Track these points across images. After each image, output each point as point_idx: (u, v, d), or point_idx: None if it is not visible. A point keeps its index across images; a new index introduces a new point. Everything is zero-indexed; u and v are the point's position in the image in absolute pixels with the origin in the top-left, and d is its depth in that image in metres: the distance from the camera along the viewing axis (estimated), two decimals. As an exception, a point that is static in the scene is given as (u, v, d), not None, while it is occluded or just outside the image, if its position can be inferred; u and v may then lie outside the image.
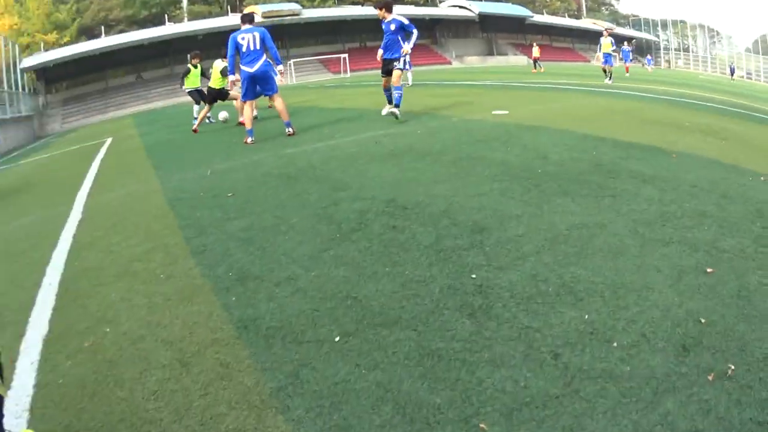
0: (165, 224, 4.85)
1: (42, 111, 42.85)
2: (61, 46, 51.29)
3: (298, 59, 50.84)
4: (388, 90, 9.84)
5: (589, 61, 55.57)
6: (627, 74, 28.64)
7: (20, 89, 35.84)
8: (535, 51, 37.26)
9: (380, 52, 9.48)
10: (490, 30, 68.80)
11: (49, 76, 47.08)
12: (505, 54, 67.09)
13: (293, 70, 48.40)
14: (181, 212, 5.18)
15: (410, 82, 21.14)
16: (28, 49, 49.13)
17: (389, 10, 9.38)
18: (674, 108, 11.28)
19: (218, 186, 6.10)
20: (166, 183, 6.79)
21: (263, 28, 9.27)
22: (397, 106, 9.48)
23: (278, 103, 9.42)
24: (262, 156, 7.71)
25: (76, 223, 5.48)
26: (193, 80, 15.22)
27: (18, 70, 36.12)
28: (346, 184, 5.40)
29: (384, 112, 10.20)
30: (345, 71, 47.52)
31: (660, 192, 4.49)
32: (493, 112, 9.84)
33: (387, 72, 9.61)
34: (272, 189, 5.63)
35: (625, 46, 31.76)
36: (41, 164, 13.63)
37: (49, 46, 50.42)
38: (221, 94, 13.03)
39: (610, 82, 19.91)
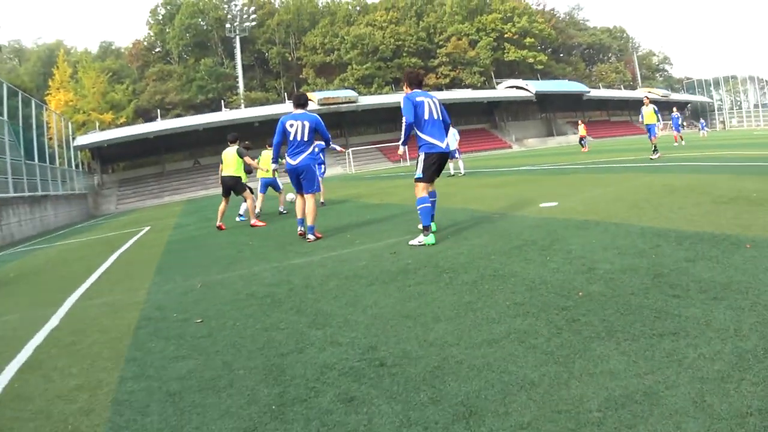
0: (114, 353, 4.28)
1: (97, 190, 44.00)
2: (117, 126, 53.24)
3: (357, 148, 51.38)
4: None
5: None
6: (677, 143, 27.57)
7: (74, 167, 36.82)
8: (581, 129, 36.69)
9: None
10: (548, 110, 69.14)
11: (104, 155, 48.61)
12: (565, 133, 66.94)
13: (352, 159, 48.70)
14: (138, 339, 4.56)
15: (462, 171, 20.70)
16: (84, 127, 51.03)
17: None
18: (738, 176, 10.00)
19: (195, 306, 5.46)
20: (153, 294, 6.31)
21: (316, 116, 8.63)
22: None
23: (310, 204, 8.57)
24: (264, 266, 7.01)
25: (47, 332, 5.17)
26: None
27: (72, 148, 37.25)
28: (328, 318, 4.37)
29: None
30: (405, 159, 47.41)
31: (735, 315, 3.25)
32: (541, 205, 8.91)
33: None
34: (245, 317, 4.74)
35: (674, 113, 30.63)
36: (69, 249, 13.74)
37: (104, 126, 52.39)
38: (235, 187, 11.97)
39: (655, 156, 17.70)
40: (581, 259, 5.15)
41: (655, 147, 18.22)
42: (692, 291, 3.84)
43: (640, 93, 75.17)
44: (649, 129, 18.86)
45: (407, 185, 18.33)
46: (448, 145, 7.23)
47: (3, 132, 22.06)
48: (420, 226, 7.19)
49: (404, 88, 7.52)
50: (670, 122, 31.64)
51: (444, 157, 7.15)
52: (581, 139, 36.22)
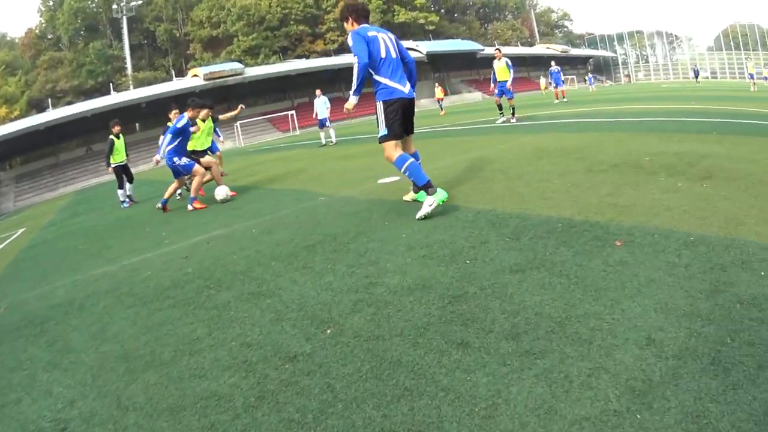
0: None
1: (-6, 187, 41.88)
2: (11, 120, 50.65)
3: (245, 120, 50.00)
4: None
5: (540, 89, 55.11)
6: (559, 100, 26.27)
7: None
8: (438, 92, 36.05)
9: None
10: (442, 70, 68.94)
11: (0, 152, 46.02)
12: (459, 92, 67.05)
13: (240, 132, 47.52)
14: None
15: (334, 140, 20.10)
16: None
17: None
18: (631, 136, 8.80)
19: None
20: None
21: None
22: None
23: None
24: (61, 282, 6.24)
25: None
26: (119, 154, 14.04)
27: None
28: (56, 361, 3.73)
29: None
30: (294, 129, 46.55)
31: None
32: (379, 182, 8.14)
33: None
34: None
35: (553, 67, 27.86)
36: None
37: (4, 121, 49.93)
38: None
39: (512, 120, 15.48)
40: (370, 267, 4.13)
41: (511, 109, 15.98)
42: (492, 338, 2.74)
43: (537, 49, 76.52)
44: (501, 88, 16.04)
45: (280, 159, 17.65)
46: (411, 90, 5.70)
47: None
48: (411, 196, 6.14)
49: (348, 24, 5.73)
50: (549, 77, 29.45)
51: (409, 104, 5.65)
52: (439, 101, 35.40)
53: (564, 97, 26.91)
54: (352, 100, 5.54)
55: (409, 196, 6.16)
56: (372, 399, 2.43)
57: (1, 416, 3.04)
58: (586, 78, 58.27)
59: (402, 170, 5.52)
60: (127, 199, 13.85)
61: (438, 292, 3.43)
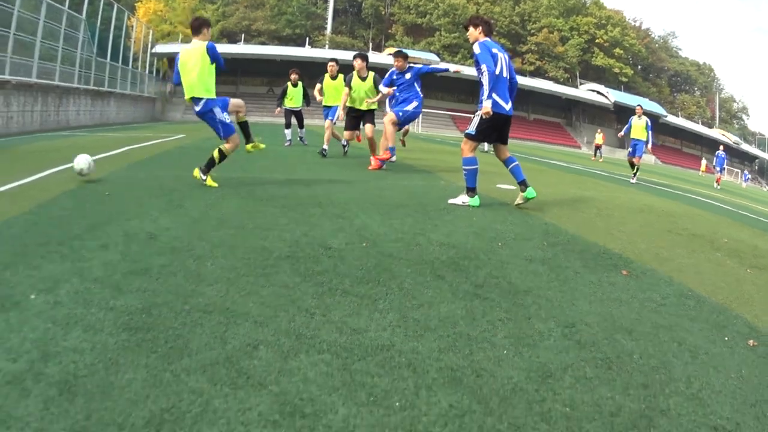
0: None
1: (167, 97, 45.59)
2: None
3: (430, 110, 51.32)
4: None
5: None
6: (717, 186, 24.57)
7: (147, 72, 38.37)
8: (598, 138, 35.38)
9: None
10: (624, 122, 66.92)
11: (183, 67, 49.86)
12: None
13: (421, 120, 48.86)
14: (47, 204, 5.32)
15: (486, 148, 20.42)
16: (167, 37, 52.46)
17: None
18: (732, 223, 8.88)
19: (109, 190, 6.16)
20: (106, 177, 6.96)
21: None
22: None
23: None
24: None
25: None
26: (292, 100, 15.10)
27: (149, 54, 38.86)
28: (168, 209, 5.24)
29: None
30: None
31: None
32: (498, 186, 8.92)
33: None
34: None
35: (721, 152, 26.93)
36: (94, 140, 14.53)
37: (187, 39, 53.47)
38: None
39: (632, 181, 14.94)
40: (426, 223, 5.36)
41: (636, 170, 15.55)
42: (467, 283, 3.73)
43: (714, 132, 72.58)
44: (634, 146, 15.83)
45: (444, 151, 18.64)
46: (511, 108, 6.49)
47: (79, 29, 23.45)
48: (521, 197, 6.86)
49: (475, 33, 6.45)
50: (714, 161, 28.50)
51: (506, 120, 6.48)
52: (597, 148, 34.65)
53: (718, 184, 25.65)
54: (487, 104, 6.19)
55: (519, 198, 6.91)
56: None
57: (114, 226, 4.50)
58: (742, 174, 54.64)
59: (464, 167, 6.62)
60: (289, 141, 15.21)
61: (461, 251, 4.55)
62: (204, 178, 6.70)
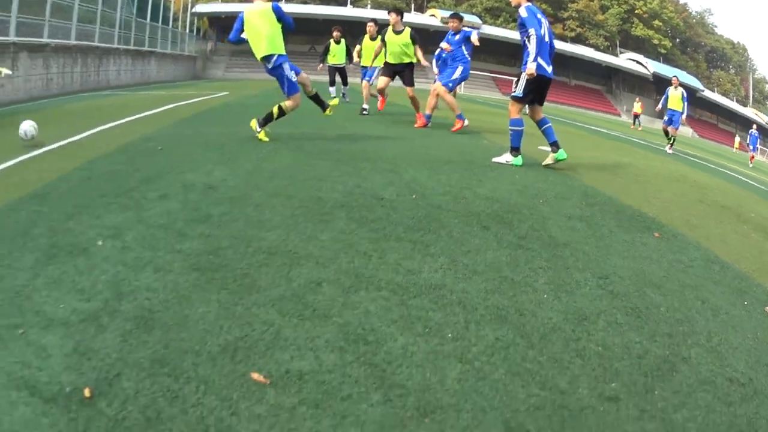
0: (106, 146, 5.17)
1: (208, 56, 45.99)
2: (241, 1, 54.71)
3: (474, 72, 50.66)
4: None
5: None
6: (750, 164, 23.62)
7: (187, 31, 38.56)
8: (637, 107, 34.37)
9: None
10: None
11: (221, 25, 50.04)
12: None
13: (463, 83, 48.36)
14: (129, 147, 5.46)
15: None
16: (211, -6, 52.54)
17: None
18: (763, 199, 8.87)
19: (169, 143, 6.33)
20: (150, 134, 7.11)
21: None
22: None
23: None
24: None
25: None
26: (335, 57, 14.95)
27: (189, 14, 39.04)
28: (221, 161, 5.38)
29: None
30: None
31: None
32: (540, 147, 8.65)
33: None
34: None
35: (754, 130, 26.03)
36: (141, 98, 14.75)
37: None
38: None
39: (669, 151, 14.73)
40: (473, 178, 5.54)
41: (672, 139, 15.23)
42: (509, 232, 4.19)
43: (748, 111, 70.39)
44: (671, 116, 15.41)
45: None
46: (552, 71, 6.57)
47: (118, -11, 23.63)
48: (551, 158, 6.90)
49: None
50: (747, 139, 27.40)
51: (547, 82, 6.56)
52: (635, 116, 33.47)
53: (752, 163, 24.51)
54: (532, 66, 6.18)
55: (549, 158, 6.92)
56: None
57: (169, 179, 4.61)
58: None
59: (510, 127, 6.67)
60: (343, 96, 15.04)
61: (504, 206, 4.64)
62: (258, 130, 6.82)
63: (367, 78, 12.17)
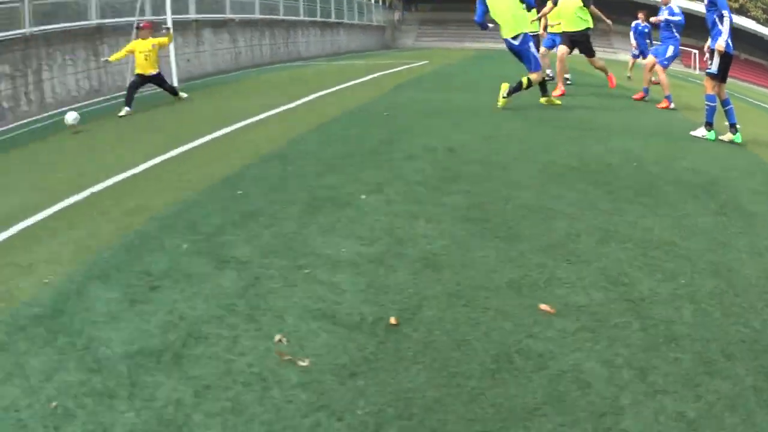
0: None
1: (396, 25, 46.79)
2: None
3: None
4: None
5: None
6: None
7: (372, 2, 39.42)
8: None
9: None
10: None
11: (412, -4, 50.52)
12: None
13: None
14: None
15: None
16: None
17: None
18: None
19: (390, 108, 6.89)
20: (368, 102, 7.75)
21: None
22: None
23: None
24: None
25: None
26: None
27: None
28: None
29: None
30: (693, 67, 42.88)
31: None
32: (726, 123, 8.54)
33: None
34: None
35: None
36: (337, 68, 15.60)
37: None
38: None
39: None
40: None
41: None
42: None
43: None
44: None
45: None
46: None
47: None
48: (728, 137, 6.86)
49: None
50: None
51: (731, 60, 6.83)
52: None
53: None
54: (722, 44, 6.30)
55: (726, 136, 6.81)
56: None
57: (408, 142, 5.19)
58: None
59: (707, 102, 6.69)
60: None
61: (705, 177, 4.74)
62: (505, 96, 7.29)
63: (546, 45, 11.23)
